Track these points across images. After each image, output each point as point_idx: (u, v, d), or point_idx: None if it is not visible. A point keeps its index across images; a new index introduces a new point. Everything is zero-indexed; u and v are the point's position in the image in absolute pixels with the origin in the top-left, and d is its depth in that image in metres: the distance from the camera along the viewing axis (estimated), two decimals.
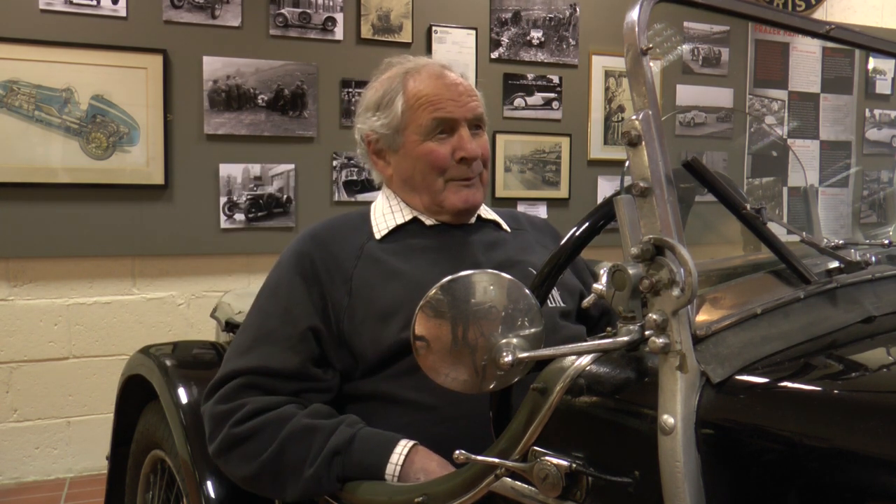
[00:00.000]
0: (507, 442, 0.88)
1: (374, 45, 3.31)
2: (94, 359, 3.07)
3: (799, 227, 1.09)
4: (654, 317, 0.74)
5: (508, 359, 0.83)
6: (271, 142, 3.20)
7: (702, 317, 0.81)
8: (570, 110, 3.71)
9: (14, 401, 2.99)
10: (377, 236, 1.34)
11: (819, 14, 4.31)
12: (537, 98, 3.64)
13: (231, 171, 3.15)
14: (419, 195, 1.36)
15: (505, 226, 1.45)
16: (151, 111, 3.01)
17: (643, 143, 0.78)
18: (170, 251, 3.12)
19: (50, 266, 2.99)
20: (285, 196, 3.23)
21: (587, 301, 0.86)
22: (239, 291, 2.31)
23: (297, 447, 1.15)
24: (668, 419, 0.72)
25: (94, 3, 2.94)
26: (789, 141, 4.17)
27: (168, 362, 1.61)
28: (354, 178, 3.31)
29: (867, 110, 4.45)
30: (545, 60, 3.65)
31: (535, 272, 1.16)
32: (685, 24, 3.93)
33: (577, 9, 3.69)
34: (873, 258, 1.06)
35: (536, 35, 3.62)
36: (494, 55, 3.56)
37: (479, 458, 0.88)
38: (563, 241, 1.01)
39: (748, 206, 0.93)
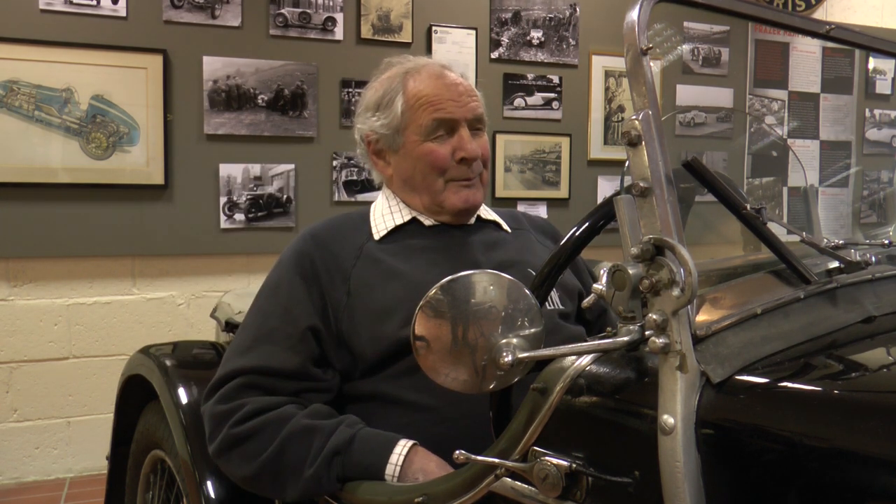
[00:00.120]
0: (507, 442, 0.88)
1: (374, 45, 3.31)
2: (94, 359, 3.07)
3: (799, 227, 1.09)
4: (654, 317, 0.74)
5: (508, 359, 0.83)
6: (271, 142, 3.20)
7: (702, 317, 0.81)
8: (570, 110, 3.71)
9: (14, 401, 2.99)
10: (376, 237, 1.34)
11: (819, 14, 4.31)
12: (537, 98, 3.64)
13: (231, 171, 3.15)
14: (419, 195, 1.36)
15: (505, 226, 1.45)
16: (151, 111, 3.01)
17: (643, 143, 0.78)
18: (170, 251, 3.12)
19: (50, 266, 2.99)
20: (285, 196, 3.23)
21: (587, 301, 0.86)
22: (239, 291, 2.31)
23: (297, 447, 1.15)
24: (668, 419, 0.72)
25: (94, 3, 2.94)
26: (789, 141, 4.17)
27: (168, 362, 1.61)
28: (354, 178, 3.31)
29: (867, 110, 4.45)
30: (545, 60, 3.65)
31: (534, 273, 1.16)
32: (685, 24, 3.93)
33: (577, 9, 3.69)
34: (873, 258, 1.06)
35: (536, 35, 3.62)
36: (494, 55, 3.56)
37: (479, 458, 0.88)
38: (563, 241, 1.01)
39: (748, 206, 0.93)
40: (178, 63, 3.06)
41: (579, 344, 0.82)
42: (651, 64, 0.82)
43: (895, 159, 4.50)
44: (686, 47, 3.94)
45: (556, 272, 0.99)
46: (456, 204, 1.34)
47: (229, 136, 3.14)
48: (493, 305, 0.85)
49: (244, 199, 3.18)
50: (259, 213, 3.20)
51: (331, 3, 3.26)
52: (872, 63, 4.44)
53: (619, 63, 3.73)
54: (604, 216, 1.00)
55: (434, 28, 3.42)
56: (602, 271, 0.78)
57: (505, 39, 3.57)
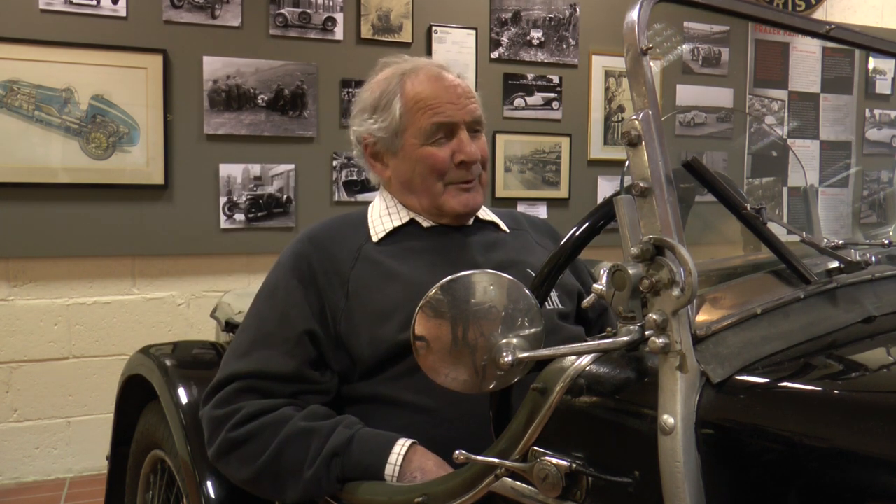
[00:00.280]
0: (507, 442, 0.88)
1: (374, 45, 3.31)
2: (94, 359, 3.07)
3: (799, 227, 1.09)
4: (654, 317, 0.74)
5: (508, 359, 0.83)
6: (271, 142, 3.20)
7: (702, 317, 0.81)
8: (570, 110, 3.71)
9: (14, 401, 2.99)
10: (374, 239, 1.33)
11: (819, 14, 4.31)
12: (537, 98, 3.64)
13: (231, 171, 3.15)
14: (418, 198, 1.35)
15: (504, 226, 1.44)
16: (151, 111, 3.01)
17: (643, 143, 0.78)
18: (170, 251, 3.12)
19: (50, 266, 2.99)
20: (285, 196, 3.23)
21: (587, 301, 0.86)
22: (239, 291, 2.31)
23: (295, 449, 1.15)
24: (668, 419, 0.72)
25: (94, 3, 2.94)
26: (789, 141, 4.17)
27: (168, 362, 1.61)
28: (354, 178, 3.31)
29: (867, 110, 4.45)
30: (545, 60, 3.65)
31: (533, 273, 1.16)
32: (685, 24, 3.93)
33: (577, 9, 3.69)
34: (873, 258, 1.06)
35: (536, 35, 3.62)
36: (494, 55, 3.56)
37: (479, 458, 0.88)
38: (563, 242, 1.01)
39: (748, 206, 0.93)
40: (178, 63, 3.06)
41: (579, 344, 0.82)
42: (651, 64, 0.82)
43: (895, 159, 4.50)
44: (686, 47, 3.94)
45: (556, 272, 0.99)
46: (456, 207, 1.33)
47: (229, 136, 3.14)
48: (493, 305, 0.85)
49: (244, 199, 3.18)
50: (259, 213, 3.20)
51: (331, 3, 3.26)
52: (872, 63, 4.44)
53: (619, 63, 3.73)
54: (604, 216, 1.00)
55: (434, 28, 3.42)
56: (602, 271, 0.78)
57: (505, 39, 3.57)
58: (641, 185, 0.77)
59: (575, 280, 1.45)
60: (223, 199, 3.15)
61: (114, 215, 3.01)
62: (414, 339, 0.85)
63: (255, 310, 1.31)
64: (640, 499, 0.76)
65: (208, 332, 2.57)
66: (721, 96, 4.04)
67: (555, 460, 0.82)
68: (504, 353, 0.83)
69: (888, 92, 4.50)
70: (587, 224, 1.00)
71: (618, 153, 3.78)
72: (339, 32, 3.28)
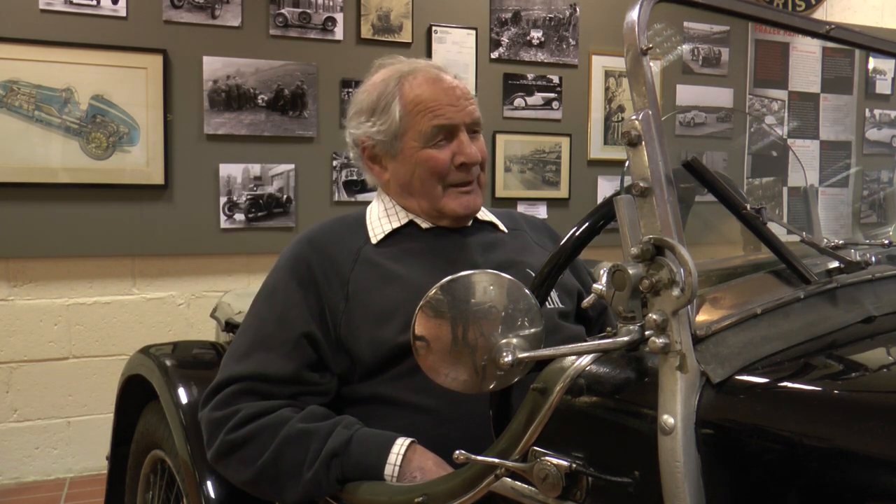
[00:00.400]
0: (507, 442, 0.88)
1: (374, 45, 3.31)
2: (94, 359, 3.07)
3: (799, 227, 1.09)
4: (654, 317, 0.74)
5: (508, 359, 0.83)
6: (271, 142, 3.20)
7: (702, 317, 0.81)
8: (570, 110, 3.71)
9: (14, 401, 2.99)
10: (373, 240, 1.33)
11: (819, 14, 4.31)
12: (537, 98, 3.64)
13: (231, 171, 3.15)
14: (417, 200, 1.35)
15: (502, 227, 1.44)
16: (151, 111, 3.01)
17: (643, 143, 0.78)
18: (170, 251, 3.12)
19: (50, 266, 2.99)
20: (285, 196, 3.23)
21: (587, 301, 0.86)
22: (239, 291, 2.31)
23: (294, 451, 1.15)
24: (668, 419, 0.72)
25: (94, 3, 2.94)
26: (789, 141, 4.17)
27: (168, 362, 1.61)
28: (354, 178, 3.31)
29: (867, 110, 4.45)
30: (545, 60, 3.65)
31: (533, 273, 1.16)
32: (685, 24, 3.93)
33: (577, 9, 3.69)
34: (873, 258, 1.06)
35: (536, 35, 3.62)
36: (494, 55, 3.56)
37: (479, 458, 0.88)
38: (563, 241, 1.01)
39: (748, 206, 0.93)
40: (178, 63, 3.06)
41: (579, 344, 0.82)
42: (651, 64, 0.82)
43: (895, 159, 4.50)
44: (686, 47, 3.94)
45: (556, 272, 0.99)
46: (456, 209, 1.33)
47: (229, 136, 3.14)
48: (493, 305, 0.85)
49: (244, 199, 3.18)
50: (259, 213, 3.20)
51: (331, 3, 3.26)
52: (872, 63, 4.44)
53: (619, 63, 3.73)
54: (604, 216, 1.00)
55: (434, 28, 3.42)
56: (602, 271, 0.78)
57: (505, 39, 3.57)
58: (641, 185, 0.77)
59: (575, 280, 1.44)
60: (223, 199, 3.15)
61: (114, 215, 3.01)
62: (414, 339, 0.85)
63: (254, 312, 1.31)
64: (640, 499, 0.76)
65: (208, 332, 2.57)
66: (721, 96, 4.04)
67: (555, 460, 0.82)
68: (504, 353, 0.83)
69: (888, 92, 4.50)
70: (587, 224, 1.00)
71: (618, 153, 3.78)
72: (339, 32, 3.28)
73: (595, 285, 0.80)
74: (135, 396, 1.79)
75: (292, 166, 3.23)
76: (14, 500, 2.88)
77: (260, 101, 3.16)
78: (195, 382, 1.51)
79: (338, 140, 3.27)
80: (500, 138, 3.57)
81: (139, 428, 1.77)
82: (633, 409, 0.79)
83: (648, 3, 0.85)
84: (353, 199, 3.32)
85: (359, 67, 3.27)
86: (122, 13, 2.97)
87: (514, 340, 0.84)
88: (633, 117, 0.79)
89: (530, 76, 3.63)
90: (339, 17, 3.28)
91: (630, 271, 0.75)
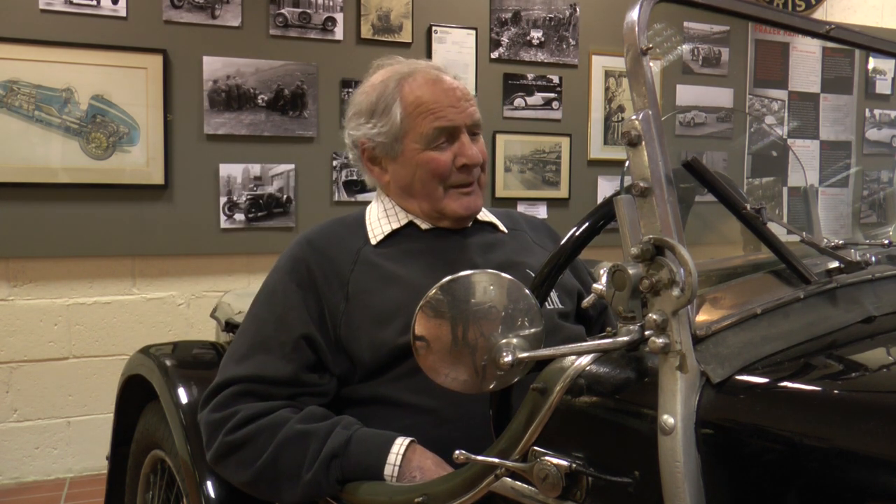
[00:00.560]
0: (507, 442, 0.88)
1: (374, 45, 3.31)
2: (94, 359, 3.07)
3: (799, 227, 1.09)
4: (654, 317, 0.74)
5: (508, 359, 0.83)
6: (271, 142, 3.20)
7: (702, 317, 0.81)
8: (570, 110, 3.71)
9: (14, 401, 2.99)
10: (373, 241, 1.33)
11: (819, 14, 4.31)
12: (537, 98, 3.64)
13: (231, 171, 3.15)
14: (418, 202, 1.35)
15: (502, 227, 1.44)
16: (151, 111, 3.01)
17: (643, 143, 0.78)
18: (170, 251, 3.12)
19: (50, 266, 2.99)
20: (285, 196, 3.23)
21: (587, 301, 0.86)
22: (239, 291, 2.31)
23: (293, 452, 1.15)
24: (668, 419, 0.72)
25: (94, 3, 2.94)
26: (789, 141, 4.17)
27: (168, 362, 1.61)
28: (354, 178, 3.31)
29: (867, 110, 4.45)
30: (545, 60, 3.65)
31: (533, 273, 1.16)
32: (685, 24, 3.93)
33: (577, 9, 3.69)
34: (873, 258, 1.06)
35: (536, 35, 3.62)
36: (494, 55, 3.56)
37: (479, 458, 0.88)
38: (563, 242, 1.01)
39: (748, 206, 0.93)
40: (178, 63, 3.06)
41: (579, 344, 0.82)
42: (651, 64, 0.82)
43: (895, 159, 4.50)
44: (686, 47, 3.94)
45: (556, 272, 0.99)
46: (458, 211, 1.33)
47: (229, 136, 3.14)
48: (493, 305, 0.85)
49: (244, 199, 3.18)
50: (259, 213, 3.20)
51: (331, 3, 3.26)
52: (872, 63, 4.44)
53: (619, 63, 3.73)
54: (604, 216, 1.00)
55: (434, 28, 3.42)
56: (602, 271, 0.78)
57: (505, 39, 3.57)
58: (641, 185, 0.77)
59: (575, 280, 1.44)
60: (223, 199, 3.15)
61: (114, 215, 3.01)
62: (414, 340, 0.85)
63: (253, 313, 1.31)
64: (640, 499, 0.76)
65: (208, 332, 2.57)
66: (721, 96, 4.04)
67: (555, 460, 0.82)
68: (504, 353, 0.83)
69: (888, 92, 4.50)
70: (587, 224, 1.00)
71: (618, 153, 3.78)
72: (339, 32, 3.28)
73: (595, 285, 0.80)
74: (135, 396, 1.79)
75: (292, 166, 3.23)
76: (14, 500, 2.88)
77: (260, 101, 3.16)
78: (195, 382, 1.51)
79: (338, 140, 3.27)
80: (499, 138, 3.57)
81: (139, 428, 1.77)
82: (633, 409, 0.79)
83: (648, 3, 0.85)
84: (353, 200, 3.32)
85: (359, 67, 3.26)
86: (122, 13, 2.97)
87: (514, 340, 0.84)
88: (633, 117, 0.79)
89: (530, 76, 3.63)
90: (339, 17, 3.28)
91: (630, 271, 0.75)
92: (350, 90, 3.27)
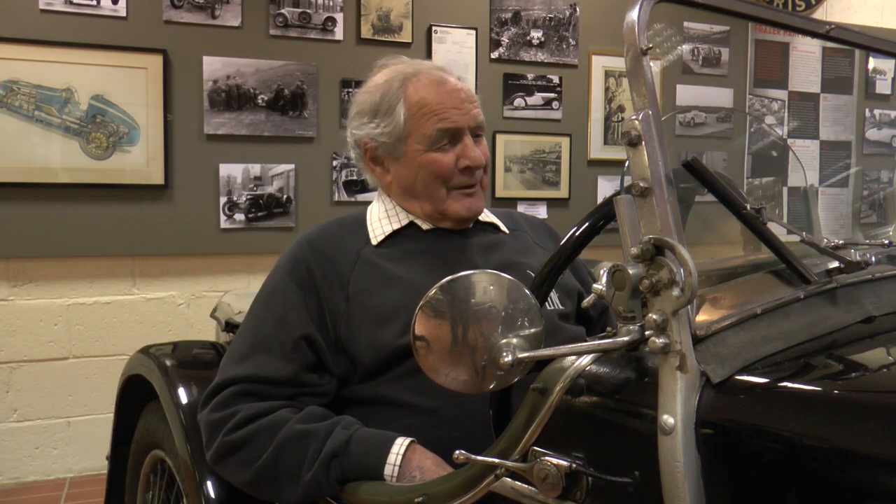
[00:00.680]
0: (507, 442, 0.88)
1: (374, 45, 3.31)
2: (94, 359, 3.07)
3: (799, 227, 1.09)
4: (654, 317, 0.74)
5: (508, 359, 0.83)
6: (271, 142, 3.20)
7: (702, 317, 0.81)
8: (570, 110, 3.71)
9: (14, 401, 2.99)
10: (374, 242, 1.33)
11: (819, 14, 4.31)
12: (537, 98, 3.64)
13: (231, 171, 3.15)
14: (420, 203, 1.35)
15: (503, 227, 1.44)
16: (151, 111, 3.01)
17: (643, 143, 0.78)
18: (170, 251, 3.12)
19: (50, 266, 2.99)
20: (285, 196, 3.23)
21: (587, 301, 0.86)
22: (239, 291, 2.31)
23: (293, 453, 1.15)
24: (668, 419, 0.72)
25: (94, 3, 2.94)
26: (789, 141, 4.17)
27: (168, 362, 1.61)
28: (354, 178, 3.31)
29: (867, 110, 4.45)
30: (545, 60, 3.65)
31: (533, 274, 1.16)
32: (685, 24, 3.93)
33: (577, 9, 3.69)
34: (873, 258, 1.06)
35: (536, 35, 3.62)
36: (494, 55, 3.56)
37: (479, 458, 0.88)
38: (563, 242, 1.01)
39: (748, 206, 0.93)
40: (178, 63, 3.06)
41: (579, 344, 0.82)
42: (651, 64, 0.82)
43: (895, 159, 4.50)
44: (686, 47, 3.94)
45: (556, 272, 0.99)
46: (459, 212, 1.33)
47: (229, 136, 3.14)
48: (493, 305, 0.85)
49: (244, 199, 3.18)
50: (259, 213, 3.20)
51: (331, 3, 3.26)
52: (872, 63, 4.44)
53: (619, 63, 3.73)
54: (604, 216, 1.00)
55: (434, 28, 3.42)
56: (602, 271, 0.78)
57: (505, 39, 3.57)
58: (641, 185, 0.77)
59: (575, 280, 1.44)
60: (223, 199, 3.15)
61: (114, 215, 3.01)
62: (414, 340, 0.85)
63: (254, 313, 1.31)
64: (640, 499, 0.76)
65: (208, 332, 2.57)
66: (721, 96, 4.04)
67: (555, 460, 0.82)
68: (504, 353, 0.83)
69: (888, 92, 4.50)
70: (587, 224, 1.00)
71: (618, 153, 3.78)
72: (339, 32, 3.28)
73: (595, 285, 0.80)
74: (135, 396, 1.79)
75: (292, 166, 3.23)
76: (14, 500, 2.88)
77: (260, 101, 3.16)
78: (195, 382, 1.51)
79: (338, 140, 3.27)
80: (500, 138, 3.57)
81: (139, 428, 1.77)
82: (633, 409, 0.79)
83: (648, 3, 0.85)
84: (353, 200, 3.32)
85: (359, 67, 3.30)
86: (122, 13, 2.97)
87: (514, 340, 0.84)
88: (633, 117, 0.79)
89: (530, 76, 3.63)
90: (339, 17, 3.28)
91: (630, 271, 0.75)
92: (350, 90, 3.27)
